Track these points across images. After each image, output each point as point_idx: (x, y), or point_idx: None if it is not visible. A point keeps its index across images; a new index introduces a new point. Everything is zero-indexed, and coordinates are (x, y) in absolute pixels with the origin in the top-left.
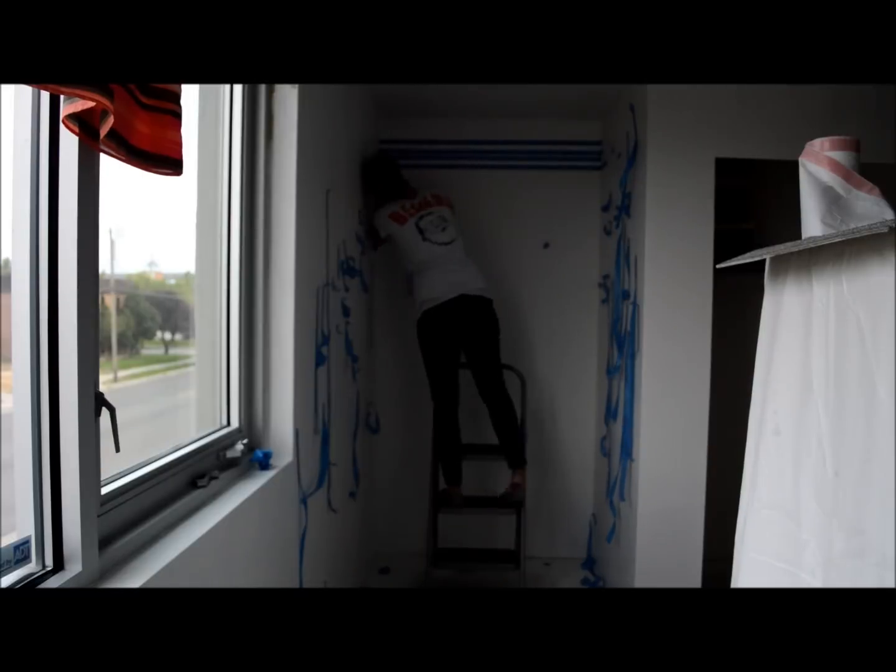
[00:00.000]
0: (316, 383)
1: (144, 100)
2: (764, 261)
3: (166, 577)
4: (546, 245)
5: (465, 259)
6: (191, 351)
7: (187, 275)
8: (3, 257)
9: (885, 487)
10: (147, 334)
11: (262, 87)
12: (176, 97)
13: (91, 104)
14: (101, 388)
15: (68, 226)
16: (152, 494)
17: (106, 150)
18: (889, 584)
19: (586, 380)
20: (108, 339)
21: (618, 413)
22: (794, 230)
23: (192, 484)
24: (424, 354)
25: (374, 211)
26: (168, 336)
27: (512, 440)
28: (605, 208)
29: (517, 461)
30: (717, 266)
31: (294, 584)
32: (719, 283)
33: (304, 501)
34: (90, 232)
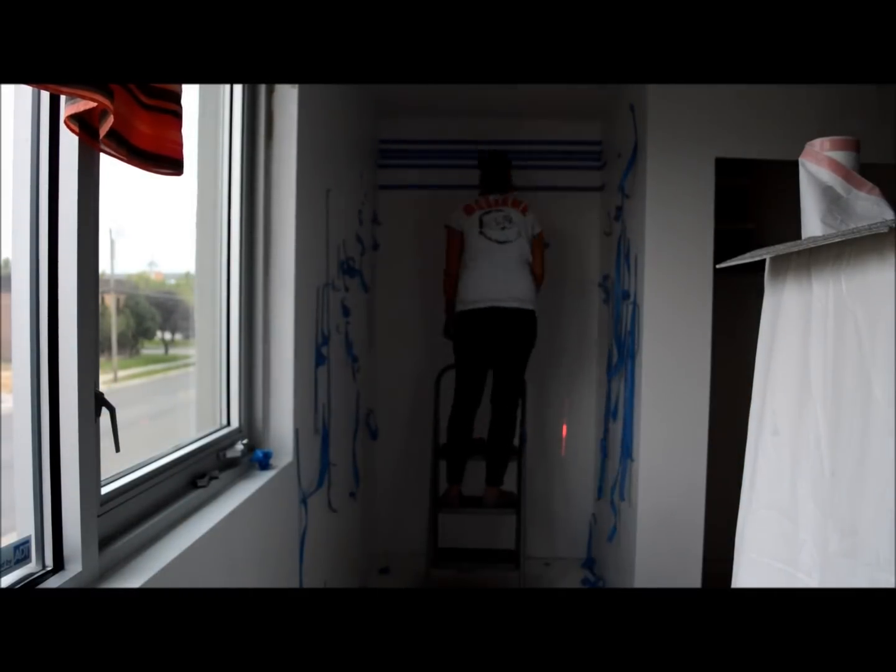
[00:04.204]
0: (316, 383)
1: (145, 100)
2: (764, 261)
3: (166, 577)
4: (546, 245)
5: (517, 266)
6: (191, 351)
7: (187, 275)
8: (3, 257)
9: (879, 488)
10: (147, 334)
11: (262, 87)
12: (177, 97)
13: (93, 104)
14: (101, 388)
15: (68, 226)
16: (152, 494)
17: (107, 150)
18: (881, 584)
19: (586, 380)
20: (108, 339)
21: (618, 413)
22: (794, 230)
23: (192, 484)
24: (455, 351)
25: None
26: (168, 336)
27: (497, 457)
28: (606, 208)
29: (493, 479)
30: (717, 266)
31: (294, 584)
32: (719, 283)
33: (304, 501)
34: (90, 232)
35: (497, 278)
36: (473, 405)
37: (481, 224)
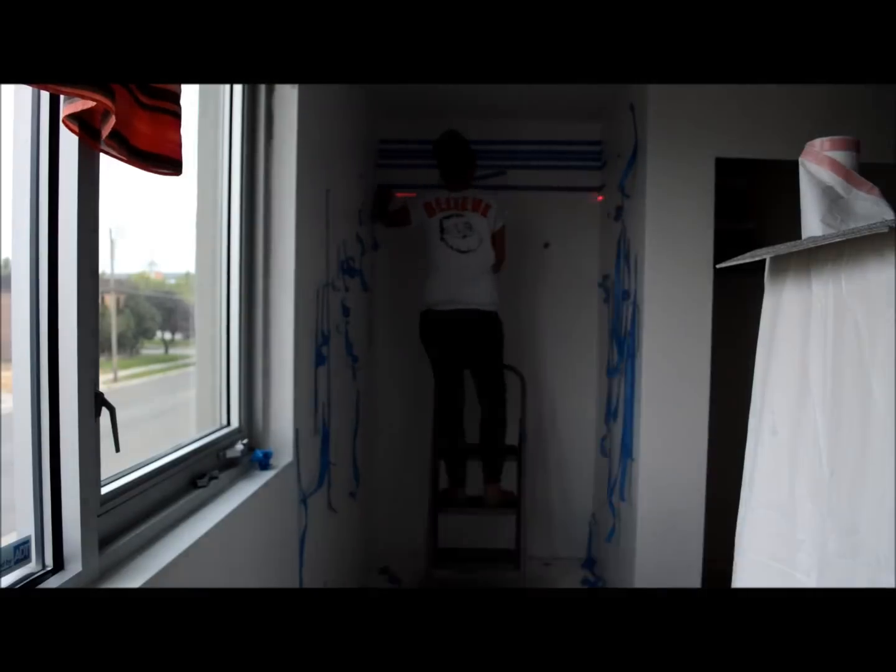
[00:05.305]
0: (316, 383)
1: (144, 100)
2: (764, 261)
3: (166, 577)
4: (546, 245)
5: (480, 272)
6: (191, 351)
7: (187, 275)
8: (3, 257)
9: (880, 487)
10: (147, 334)
11: (262, 87)
12: (176, 97)
13: (91, 104)
14: (101, 388)
15: (68, 226)
16: (152, 494)
17: (107, 150)
18: (881, 584)
19: (586, 380)
20: (108, 339)
21: (618, 413)
22: (794, 230)
23: (192, 484)
24: (427, 354)
25: (417, 196)
26: (168, 336)
27: (491, 454)
28: (606, 208)
29: (491, 476)
30: (717, 266)
31: (294, 584)
32: (719, 284)
33: (304, 501)
34: (90, 232)
35: (459, 285)
36: (458, 405)
37: (442, 230)
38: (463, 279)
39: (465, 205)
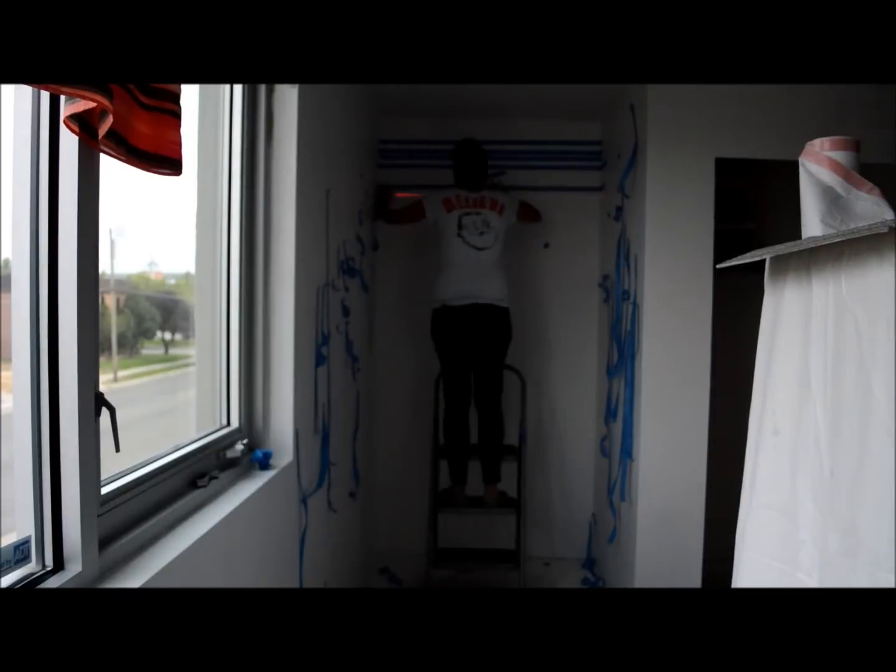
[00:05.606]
0: (316, 383)
1: (144, 100)
2: (764, 261)
3: (166, 577)
4: (546, 245)
5: (494, 269)
6: (191, 351)
7: (187, 275)
8: (3, 257)
9: (879, 487)
10: (147, 334)
11: (262, 87)
12: (176, 97)
13: (92, 104)
14: (101, 388)
15: (68, 226)
16: (152, 494)
17: (105, 149)
18: (881, 583)
19: (586, 380)
20: (108, 339)
21: (618, 413)
22: (794, 230)
23: (192, 484)
24: (438, 352)
25: (432, 192)
26: (168, 336)
27: (491, 456)
28: (606, 208)
29: (491, 477)
30: (718, 266)
31: (294, 584)
32: (719, 284)
33: (304, 501)
34: (90, 232)
35: (475, 280)
36: (465, 404)
37: (460, 225)
38: (478, 275)
39: (483, 203)
